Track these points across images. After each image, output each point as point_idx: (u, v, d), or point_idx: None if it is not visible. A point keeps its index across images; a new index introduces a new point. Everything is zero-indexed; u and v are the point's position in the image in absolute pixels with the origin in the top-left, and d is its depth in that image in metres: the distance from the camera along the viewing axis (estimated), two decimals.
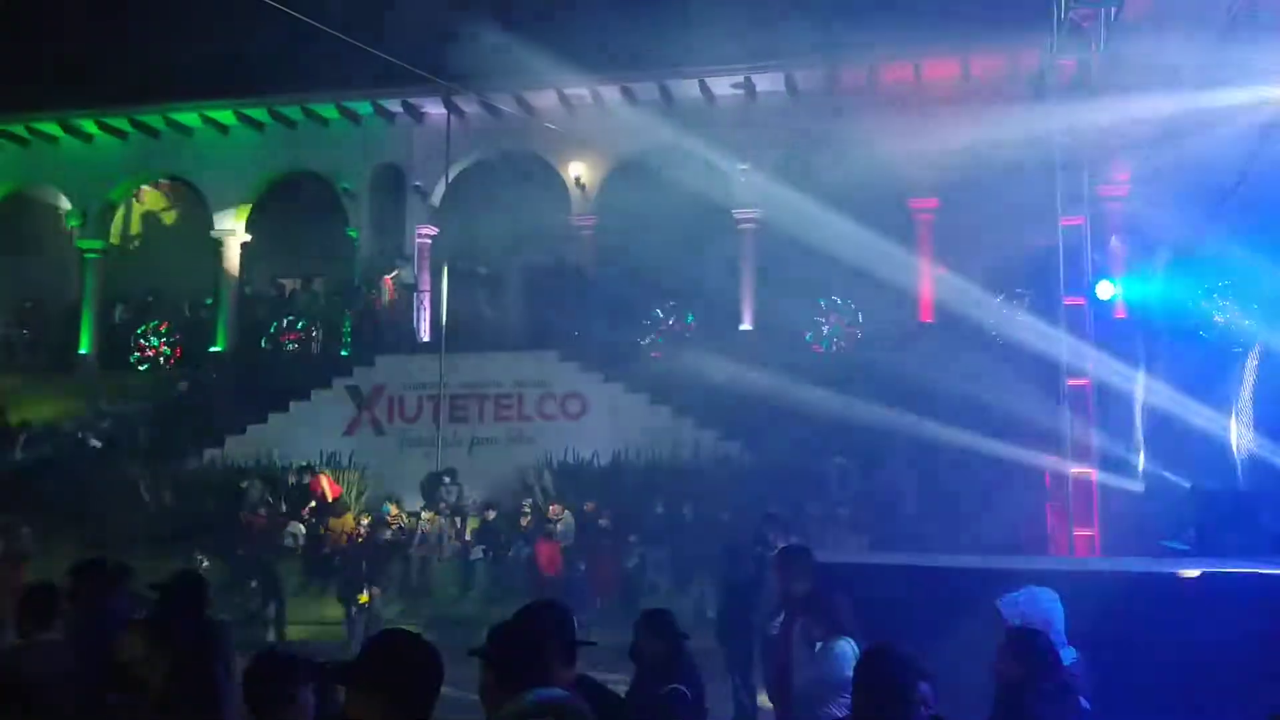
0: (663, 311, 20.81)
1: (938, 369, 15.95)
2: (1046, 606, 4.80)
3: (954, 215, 19.29)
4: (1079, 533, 11.22)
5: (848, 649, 5.42)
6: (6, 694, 4.63)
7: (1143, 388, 13.37)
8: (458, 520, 17.50)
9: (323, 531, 16.53)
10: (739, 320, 20.41)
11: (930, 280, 19.95)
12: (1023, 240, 15.51)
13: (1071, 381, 12.25)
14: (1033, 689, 4.36)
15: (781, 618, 6.88)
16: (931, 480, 15.37)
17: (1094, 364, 12.41)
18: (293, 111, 21.80)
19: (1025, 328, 18.61)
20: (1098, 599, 5.81)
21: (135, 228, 22.92)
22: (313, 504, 17.42)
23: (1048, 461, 12.68)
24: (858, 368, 17.82)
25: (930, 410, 16.51)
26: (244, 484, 17.79)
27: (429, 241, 21.74)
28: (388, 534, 15.35)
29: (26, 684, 5.18)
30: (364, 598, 14.68)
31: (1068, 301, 12.62)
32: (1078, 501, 11.63)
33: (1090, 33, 11.78)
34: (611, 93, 20.66)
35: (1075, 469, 11.81)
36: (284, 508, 17.46)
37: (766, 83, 20.22)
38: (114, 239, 23.11)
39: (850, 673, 5.17)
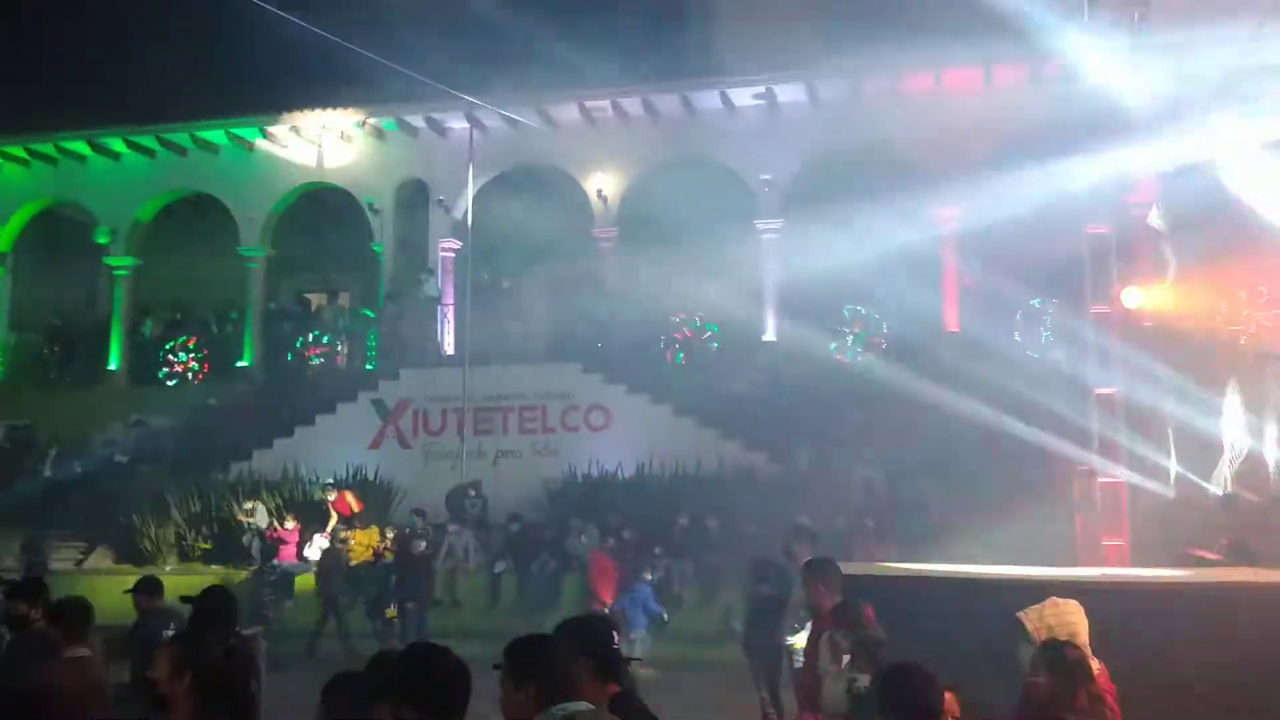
0: (686, 323, 20.83)
1: (963, 379, 15.87)
2: (1071, 619, 4.75)
3: (978, 224, 19.19)
4: (1108, 542, 11.12)
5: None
6: (41, 709, 4.69)
7: (1172, 395, 13.24)
8: (483, 533, 17.54)
9: (345, 548, 16.53)
10: (762, 331, 20.39)
11: (954, 289, 19.89)
12: (1048, 249, 15.41)
13: (1099, 390, 12.16)
14: (1065, 702, 4.33)
15: (809, 630, 6.86)
16: (957, 490, 15.27)
17: (1122, 371, 12.31)
18: (316, 128, 22.01)
19: (1051, 336, 18.57)
20: (1125, 610, 5.76)
21: (163, 244, 23.13)
22: (334, 520, 17.49)
23: (1076, 471, 12.59)
24: (882, 378, 17.75)
25: (955, 420, 16.43)
26: (249, 505, 17.80)
27: (452, 255, 21.86)
28: (421, 546, 15.32)
29: (60, 699, 5.25)
30: (391, 613, 14.71)
31: (1094, 309, 12.54)
32: (1106, 510, 11.53)
33: (1116, 38, 11.73)
34: (633, 104, 20.75)
35: (1104, 478, 11.71)
36: (289, 525, 17.46)
37: (788, 93, 20.24)
38: (142, 256, 23.34)
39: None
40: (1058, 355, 16.42)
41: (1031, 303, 19.13)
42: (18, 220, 23.69)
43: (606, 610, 13.69)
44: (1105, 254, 12.36)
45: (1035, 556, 9.90)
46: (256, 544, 17.47)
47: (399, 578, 15.18)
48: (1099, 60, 12.15)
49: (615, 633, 3.81)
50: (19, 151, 23.11)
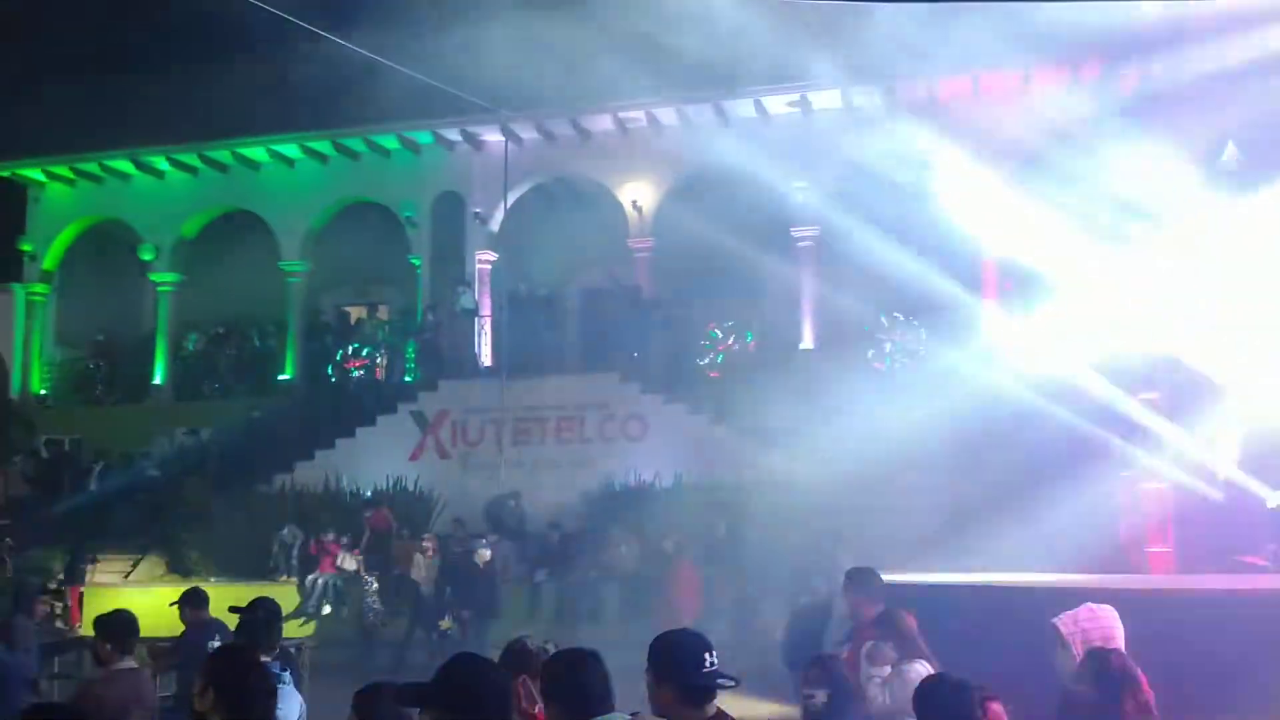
0: (722, 331, 20.80)
1: (1003, 382, 15.72)
2: (1107, 624, 4.69)
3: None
4: (1153, 548, 10.97)
5: (923, 670, 5.38)
6: None
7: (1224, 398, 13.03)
8: (521, 543, 17.61)
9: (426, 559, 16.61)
10: (799, 339, 20.31)
11: (996, 294, 19.69)
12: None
13: (1142, 395, 12.02)
14: (1113, 712, 4.27)
15: (850, 640, 6.83)
16: (1001, 496, 15.10)
17: (1166, 374, 12.16)
18: (355, 143, 22.26)
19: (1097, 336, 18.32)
20: (1168, 617, 5.69)
21: (206, 260, 23.48)
22: (367, 535, 17.67)
23: (1121, 475, 12.42)
24: (922, 384, 17.63)
25: (998, 424, 16.27)
26: (285, 530, 17.96)
27: (488, 267, 21.99)
28: (486, 556, 15.30)
29: (108, 712, 5.35)
30: (446, 624, 14.69)
31: None
32: (1152, 516, 11.37)
33: (1151, 43, 11.62)
34: (667, 114, 20.78)
35: (1150, 482, 11.55)
36: (329, 537, 17.63)
37: (823, 99, 20.18)
38: (185, 271, 23.69)
39: None
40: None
41: None
42: (64, 239, 24.13)
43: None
44: None
45: (1080, 563, 9.80)
46: (295, 554, 17.67)
47: (454, 588, 15.09)
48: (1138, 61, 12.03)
49: (710, 653, 3.53)
50: (65, 171, 23.59)
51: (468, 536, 16.29)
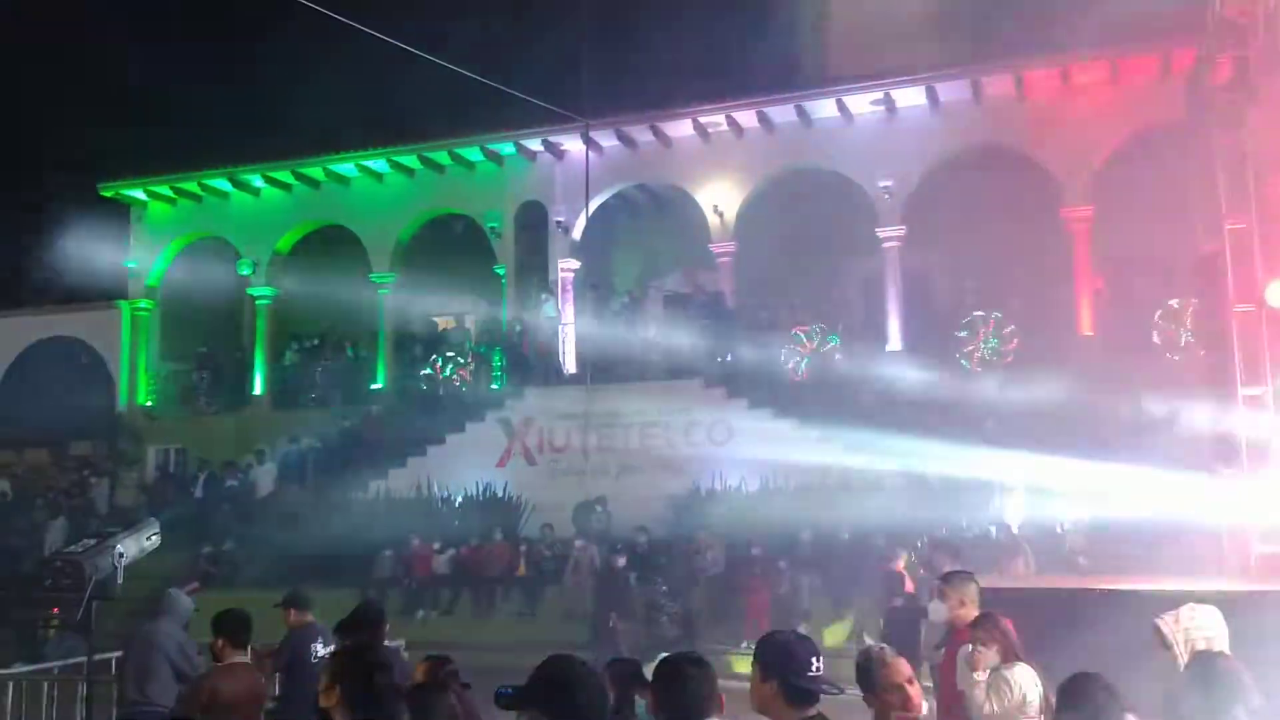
0: (806, 335, 20.68)
1: (1100, 383, 15.38)
2: (1209, 624, 4.58)
3: (1111, 223, 18.62)
4: (1260, 549, 10.60)
5: (1024, 675, 5.32)
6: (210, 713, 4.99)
7: None
8: (608, 547, 17.71)
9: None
10: (886, 341, 20.09)
11: (1088, 291, 19.27)
12: (1185, 246, 14.82)
13: (1246, 392, 11.61)
14: (1222, 715, 4.18)
15: (946, 644, 6.78)
16: (1092, 500, 14.77)
17: (1270, 371, 11.73)
18: (440, 156, 22.68)
19: (1191, 336, 17.82)
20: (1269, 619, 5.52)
21: (300, 274, 24.10)
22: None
23: (1222, 476, 12.03)
24: (1014, 385, 17.33)
25: (1092, 425, 15.92)
26: (386, 553, 18.36)
27: (571, 275, 22.19)
28: (621, 562, 15.50)
29: (223, 704, 5.57)
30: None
31: (1238, 307, 11.98)
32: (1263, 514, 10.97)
33: (1247, 28, 11.24)
34: (747, 117, 20.74)
35: (1254, 482, 11.16)
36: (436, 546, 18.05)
37: (907, 97, 19.96)
38: (281, 285, 24.36)
39: (1031, 696, 5.07)
40: (1199, 356, 15.75)
41: (1169, 302, 18.39)
42: (166, 256, 25.01)
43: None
44: (1247, 248, 11.81)
45: (1177, 567, 9.54)
46: (390, 561, 18.11)
47: (601, 594, 15.28)
48: (1232, 48, 11.66)
49: (817, 659, 3.57)
50: (166, 190, 24.47)
51: (589, 544, 16.84)
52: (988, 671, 5.46)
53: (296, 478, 21.28)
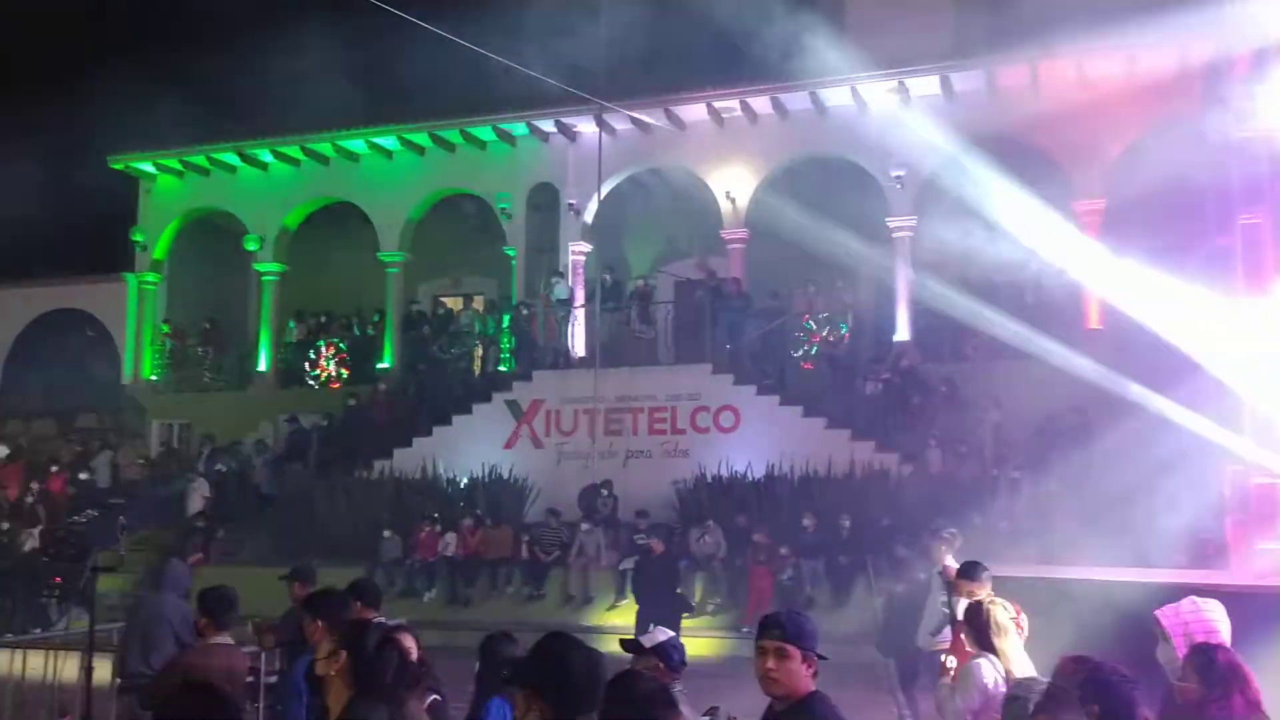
0: (816, 323, 20.62)
1: (1107, 376, 15.32)
2: (1210, 618, 4.55)
3: (1123, 216, 18.49)
4: (1263, 545, 10.56)
5: (980, 667, 5.30)
6: (197, 692, 4.96)
7: None
8: (613, 532, 17.74)
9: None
10: (895, 330, 20.03)
11: (1099, 284, 19.15)
12: (1198, 240, 14.74)
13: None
14: (1221, 708, 4.15)
15: (947, 633, 6.82)
16: (1097, 491, 14.74)
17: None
18: (452, 135, 22.61)
19: (1202, 330, 17.70)
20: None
21: (307, 250, 24.10)
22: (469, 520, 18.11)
23: (1228, 468, 11.99)
24: (1020, 377, 17.28)
25: (1100, 418, 15.87)
26: (386, 534, 18.36)
27: (582, 258, 22.13)
28: (660, 547, 15.34)
29: (209, 681, 5.55)
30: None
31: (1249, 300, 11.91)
32: (1261, 512, 10.95)
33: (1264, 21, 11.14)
34: (761, 103, 20.65)
35: (1260, 476, 11.12)
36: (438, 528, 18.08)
37: (922, 86, 19.84)
38: (288, 261, 24.36)
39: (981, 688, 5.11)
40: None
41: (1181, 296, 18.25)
42: (172, 229, 24.98)
43: None
44: (1261, 242, 11.74)
45: (1182, 560, 9.51)
46: (393, 542, 18.17)
47: (636, 578, 14.89)
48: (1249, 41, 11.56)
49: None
50: (174, 163, 24.44)
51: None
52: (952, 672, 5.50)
53: (300, 456, 21.28)
